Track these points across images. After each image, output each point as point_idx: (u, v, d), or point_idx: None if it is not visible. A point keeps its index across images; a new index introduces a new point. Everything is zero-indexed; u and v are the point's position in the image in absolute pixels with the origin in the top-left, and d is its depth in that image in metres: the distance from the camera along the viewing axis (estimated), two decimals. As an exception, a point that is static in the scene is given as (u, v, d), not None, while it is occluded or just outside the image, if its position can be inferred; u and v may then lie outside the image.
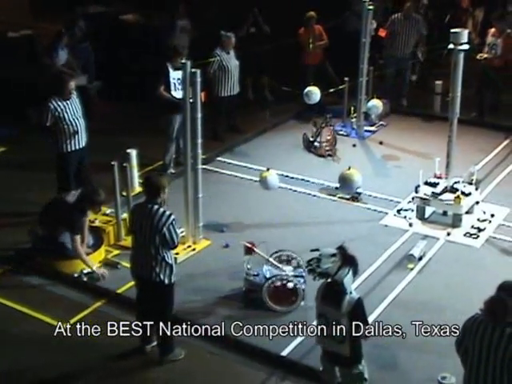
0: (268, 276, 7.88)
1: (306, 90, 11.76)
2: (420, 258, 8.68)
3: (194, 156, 8.87)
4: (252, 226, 9.64)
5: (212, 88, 12.00)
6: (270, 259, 8.07)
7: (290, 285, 7.80)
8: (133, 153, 10.22)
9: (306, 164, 11.48)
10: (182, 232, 8.67)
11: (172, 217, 6.75)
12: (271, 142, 12.57)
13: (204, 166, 9.75)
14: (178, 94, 10.46)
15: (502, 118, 13.20)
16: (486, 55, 12.96)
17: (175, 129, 10.82)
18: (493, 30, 13.06)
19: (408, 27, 13.70)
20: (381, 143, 12.47)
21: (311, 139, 11.80)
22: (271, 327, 7.47)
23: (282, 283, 7.82)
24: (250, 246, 8.01)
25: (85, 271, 8.39)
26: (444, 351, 7.00)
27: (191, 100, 8.58)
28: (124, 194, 9.25)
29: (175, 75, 10.58)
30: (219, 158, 11.80)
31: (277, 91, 14.11)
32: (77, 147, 9.44)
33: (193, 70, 8.53)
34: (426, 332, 7.39)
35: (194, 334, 7.39)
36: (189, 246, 9.03)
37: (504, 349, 4.88)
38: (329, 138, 11.82)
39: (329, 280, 5.97)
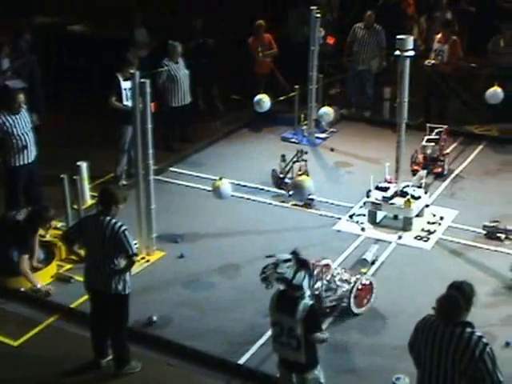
0: (353, 279, 7.90)
1: (256, 99, 11.81)
2: (373, 263, 8.79)
3: (145, 167, 8.84)
4: (206, 235, 9.64)
5: (163, 98, 11.98)
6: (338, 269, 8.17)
7: (367, 282, 7.96)
8: (83, 165, 10.12)
9: (258, 172, 11.52)
10: (135, 244, 8.61)
11: (124, 226, 6.71)
12: (223, 151, 12.60)
13: (156, 177, 9.73)
14: (130, 103, 10.41)
15: (449, 123, 13.46)
16: (432, 61, 13.22)
17: (127, 140, 10.76)
18: (439, 36, 13.32)
19: (369, 38, 13.67)
20: (332, 150, 12.60)
21: (281, 176, 10.81)
22: (228, 336, 7.49)
23: (362, 284, 7.91)
24: (321, 263, 7.87)
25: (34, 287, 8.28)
26: (397, 354, 7.12)
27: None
28: (75, 207, 9.14)
29: (126, 85, 10.53)
30: (172, 169, 11.78)
31: (228, 101, 14.16)
32: (26, 162, 9.30)
33: (142, 80, 8.52)
34: (379, 335, 7.50)
35: (150, 345, 7.36)
36: (143, 258, 8.97)
37: (454, 349, 4.90)
38: (300, 173, 10.52)
39: (282, 288, 6.01)
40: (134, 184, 9.14)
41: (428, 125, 11.26)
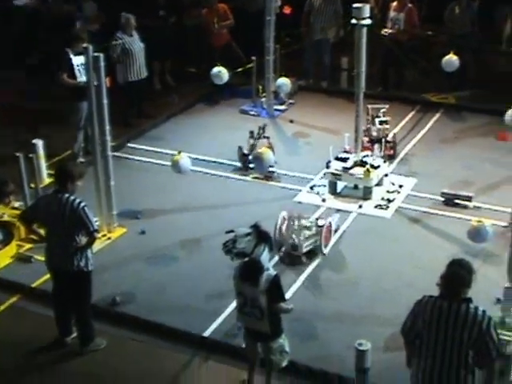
0: (321, 224, 8.54)
1: (214, 71, 11.70)
2: (334, 231, 8.87)
3: (102, 143, 8.73)
4: (167, 211, 9.59)
5: (118, 73, 11.81)
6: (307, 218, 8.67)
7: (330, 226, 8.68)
8: (39, 143, 9.93)
9: (217, 146, 11.48)
10: (96, 221, 8.53)
11: (83, 203, 6.64)
12: (182, 126, 12.50)
13: (114, 153, 9.61)
14: (83, 79, 10.24)
15: (406, 91, 13.59)
16: (389, 30, 13.25)
17: (83, 117, 10.57)
18: (394, 3, 13.32)
19: (325, 7, 13.55)
20: (291, 121, 12.60)
21: (246, 152, 10.67)
22: (192, 310, 7.50)
23: (328, 224, 8.61)
24: (292, 214, 8.48)
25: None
26: (359, 320, 7.27)
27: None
28: (32, 185, 9.00)
29: (77, 61, 10.33)
30: (130, 144, 11.65)
31: (183, 74, 14.01)
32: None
33: (95, 54, 8.37)
34: (341, 303, 7.59)
35: (114, 322, 7.34)
36: (104, 235, 8.90)
37: (462, 326, 4.92)
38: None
39: (245, 259, 6.03)
40: (92, 161, 9.02)
41: (369, 106, 10.92)
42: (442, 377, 4.99)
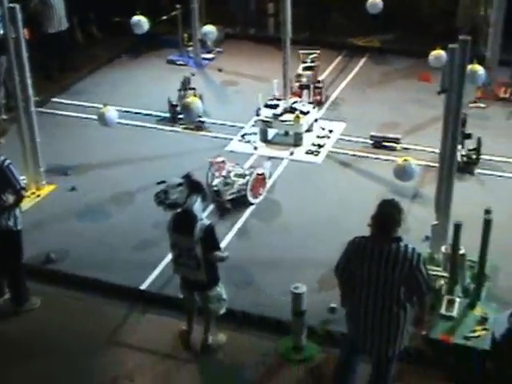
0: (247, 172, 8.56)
1: (133, 20, 11.30)
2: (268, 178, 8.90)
3: (25, 99, 8.47)
4: (96, 165, 9.44)
5: (37, 24, 11.38)
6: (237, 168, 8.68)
7: (263, 175, 8.67)
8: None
9: (145, 98, 11.28)
10: (23, 179, 8.33)
11: (8, 160, 6.45)
12: (107, 79, 12.23)
13: (38, 109, 9.35)
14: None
15: (333, 35, 13.60)
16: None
17: (1, 72, 10.20)
18: None
19: None
20: (220, 70, 12.48)
21: (174, 103, 10.51)
22: (128, 264, 7.47)
23: (259, 174, 8.60)
24: (217, 160, 8.51)
25: None
26: (293, 265, 7.38)
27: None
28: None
29: None
30: (54, 99, 11.35)
31: (106, 25, 13.62)
32: None
33: (11, 5, 8.04)
34: (276, 249, 7.69)
35: (48, 281, 7.25)
36: (33, 193, 8.71)
37: (393, 263, 5.03)
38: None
39: (178, 210, 6.02)
40: (16, 117, 8.74)
41: (300, 51, 10.97)
42: (376, 313, 5.14)
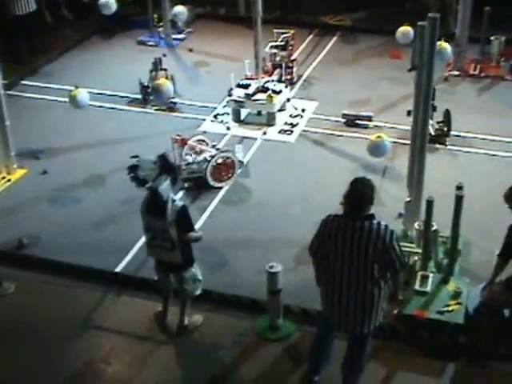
0: (208, 158, 8.41)
1: (100, 1, 11.19)
2: (239, 164, 8.79)
3: (-6, 82, 8.36)
4: (68, 148, 9.34)
5: (4, 6, 11.18)
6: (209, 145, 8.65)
7: (229, 160, 8.48)
8: None
9: (115, 79, 11.18)
10: (-7, 164, 8.27)
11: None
12: (77, 60, 12.09)
13: (7, 92, 9.27)
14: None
15: (304, 14, 13.56)
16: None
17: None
18: None
19: None
20: (190, 50, 12.40)
21: (145, 84, 10.39)
22: (101, 248, 7.43)
23: (223, 159, 8.41)
24: (180, 137, 8.42)
25: None
26: (268, 244, 7.40)
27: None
28: None
29: None
30: (23, 82, 11.19)
31: (75, 6, 13.42)
32: None
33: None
34: (250, 229, 7.70)
35: (21, 266, 7.18)
36: (3, 178, 8.62)
37: (366, 241, 5.06)
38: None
39: (149, 191, 5.98)
40: (-16, 101, 8.62)
41: (275, 30, 10.87)
42: (350, 291, 5.17)
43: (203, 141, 8.82)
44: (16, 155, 8.83)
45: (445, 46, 9.57)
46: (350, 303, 5.20)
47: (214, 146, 8.80)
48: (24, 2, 11.41)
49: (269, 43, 10.73)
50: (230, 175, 8.55)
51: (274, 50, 10.72)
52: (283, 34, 10.89)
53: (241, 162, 8.80)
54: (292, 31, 11.05)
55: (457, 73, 11.08)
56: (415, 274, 6.53)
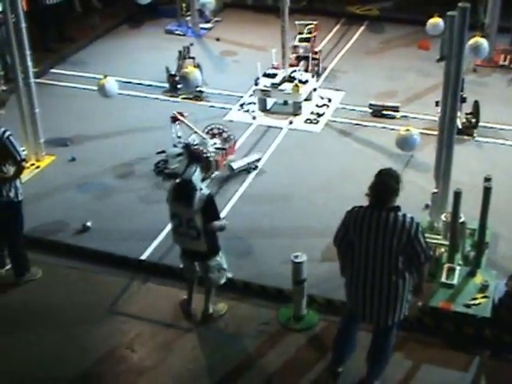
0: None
1: None
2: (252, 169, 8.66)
3: (24, 70, 8.43)
4: (96, 136, 9.42)
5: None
6: (195, 129, 8.37)
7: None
8: (-44, 73, 9.54)
9: (144, 68, 11.23)
10: (23, 150, 8.32)
11: (8, 132, 6.43)
12: (106, 49, 12.16)
13: (37, 80, 9.33)
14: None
15: (331, 4, 13.49)
16: None
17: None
18: None
19: None
20: (218, 40, 12.40)
21: (173, 73, 10.43)
22: (128, 234, 7.49)
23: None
24: (176, 114, 8.29)
25: None
26: (293, 234, 7.40)
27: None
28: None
29: None
30: (53, 70, 11.29)
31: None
32: None
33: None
34: (276, 219, 7.71)
35: (49, 251, 7.27)
36: (32, 164, 8.71)
37: (391, 232, 5.04)
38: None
39: (177, 180, 6.02)
40: (15, 88, 8.70)
41: (297, 22, 10.72)
42: (375, 283, 5.17)
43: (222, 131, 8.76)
44: (45, 142, 8.91)
45: (481, 42, 9.40)
46: (375, 295, 5.20)
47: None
48: (54, -9, 11.50)
49: (296, 36, 10.69)
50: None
51: (305, 43, 10.62)
52: (307, 25, 10.83)
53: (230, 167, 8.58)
54: (315, 22, 10.98)
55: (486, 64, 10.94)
56: (442, 266, 6.50)
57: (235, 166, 8.48)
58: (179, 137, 8.42)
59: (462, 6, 6.11)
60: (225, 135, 8.73)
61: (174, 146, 8.29)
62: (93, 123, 9.72)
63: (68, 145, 9.22)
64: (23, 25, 8.20)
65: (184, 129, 8.58)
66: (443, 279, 6.34)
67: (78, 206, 8.02)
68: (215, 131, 8.71)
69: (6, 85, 10.33)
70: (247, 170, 8.56)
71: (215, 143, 8.55)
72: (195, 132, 8.45)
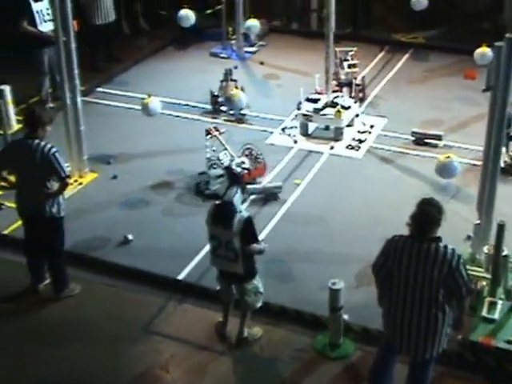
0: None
1: (180, 14, 11.46)
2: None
3: (72, 88, 8.59)
4: (139, 155, 9.52)
5: (85, 16, 11.52)
6: (226, 145, 8.53)
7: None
8: (6, 89, 9.73)
9: (188, 89, 11.35)
10: (67, 167, 8.46)
11: (54, 148, 6.53)
12: (151, 70, 12.32)
13: (84, 98, 9.50)
14: (43, 26, 10.08)
15: (376, 31, 13.49)
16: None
17: (45, 62, 10.36)
18: None
19: None
20: (261, 63, 12.49)
21: (216, 93, 10.60)
22: (166, 253, 7.52)
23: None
24: (211, 128, 8.52)
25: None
26: (331, 259, 7.35)
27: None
28: (1, 132, 8.85)
29: (37, 7, 10.09)
30: (99, 89, 11.48)
31: (153, 17, 13.74)
32: None
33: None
34: (314, 243, 7.67)
35: (88, 268, 7.33)
36: (75, 181, 8.83)
37: (432, 263, 4.97)
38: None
39: (217, 202, 6.04)
40: (62, 106, 8.87)
41: (337, 49, 10.63)
42: (413, 314, 5.07)
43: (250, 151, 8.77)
44: (88, 159, 9.04)
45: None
46: (413, 327, 5.10)
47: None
48: (104, 12, 11.72)
49: (344, 62, 10.66)
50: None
51: (354, 69, 10.62)
52: (349, 51, 10.83)
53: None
54: (355, 48, 10.97)
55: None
56: (483, 300, 6.36)
57: (250, 187, 8.33)
58: (214, 150, 8.52)
59: (510, 37, 6.05)
60: (254, 156, 8.70)
61: (212, 167, 8.33)
62: (136, 142, 9.83)
63: (111, 162, 9.34)
64: (73, 45, 8.38)
65: (216, 144, 8.65)
66: (484, 313, 6.20)
67: (119, 222, 8.09)
68: (248, 152, 8.72)
69: (53, 102, 10.55)
70: (265, 195, 8.45)
71: (243, 162, 8.52)
72: (225, 148, 8.48)
